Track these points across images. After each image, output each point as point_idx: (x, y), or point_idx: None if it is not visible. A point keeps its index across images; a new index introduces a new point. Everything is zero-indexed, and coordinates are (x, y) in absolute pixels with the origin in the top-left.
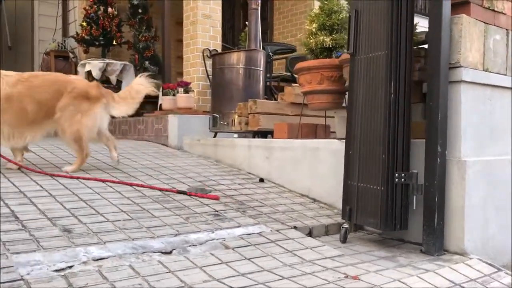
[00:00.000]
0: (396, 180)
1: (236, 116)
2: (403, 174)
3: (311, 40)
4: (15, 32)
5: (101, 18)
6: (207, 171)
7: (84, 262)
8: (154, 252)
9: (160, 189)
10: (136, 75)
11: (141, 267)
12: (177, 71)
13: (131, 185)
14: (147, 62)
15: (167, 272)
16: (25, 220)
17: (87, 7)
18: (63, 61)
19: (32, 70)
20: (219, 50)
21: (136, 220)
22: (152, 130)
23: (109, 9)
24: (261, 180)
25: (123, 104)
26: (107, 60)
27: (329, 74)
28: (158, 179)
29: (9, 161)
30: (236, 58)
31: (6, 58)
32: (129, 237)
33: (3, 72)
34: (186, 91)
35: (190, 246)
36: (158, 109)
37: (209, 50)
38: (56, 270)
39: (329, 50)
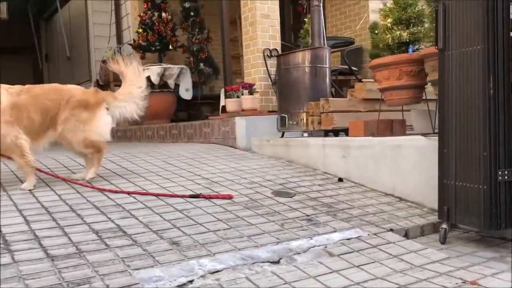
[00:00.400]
0: (500, 178)
1: (307, 116)
2: (506, 172)
3: (387, 36)
4: (71, 42)
5: (156, 23)
6: (282, 172)
7: (202, 276)
8: (263, 262)
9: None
10: (192, 78)
11: (258, 279)
12: (232, 70)
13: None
14: (201, 64)
15: (284, 284)
16: (133, 235)
17: (141, 14)
18: None
19: (90, 78)
20: (279, 49)
21: (235, 229)
22: (219, 132)
23: (163, 14)
24: (340, 179)
25: (127, 100)
26: (164, 65)
27: (408, 69)
28: (240, 184)
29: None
30: (302, 57)
31: (64, 68)
32: (234, 247)
33: (4, 85)
34: (251, 92)
35: (294, 254)
36: (220, 111)
37: (269, 50)
38: (179, 286)
39: (406, 44)
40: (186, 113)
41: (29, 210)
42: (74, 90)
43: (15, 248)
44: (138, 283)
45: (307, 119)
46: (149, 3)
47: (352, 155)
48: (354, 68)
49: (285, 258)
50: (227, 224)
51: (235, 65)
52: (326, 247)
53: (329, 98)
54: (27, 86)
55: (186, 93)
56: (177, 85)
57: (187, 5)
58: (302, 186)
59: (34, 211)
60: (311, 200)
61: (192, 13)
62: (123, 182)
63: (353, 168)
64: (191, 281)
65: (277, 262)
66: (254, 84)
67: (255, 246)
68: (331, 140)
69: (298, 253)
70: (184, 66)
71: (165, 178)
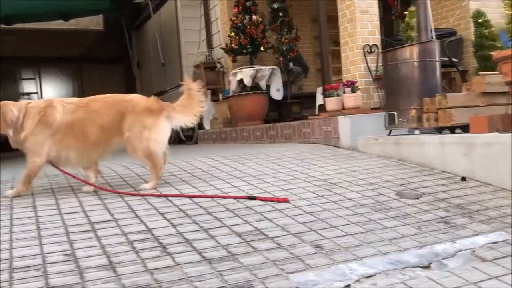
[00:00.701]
0: None
1: (420, 112)
2: None
3: None
4: (163, 48)
5: (248, 26)
6: (398, 172)
7: (357, 281)
8: (413, 267)
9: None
10: (282, 78)
11: (416, 285)
12: (316, 68)
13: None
14: (291, 64)
15: None
16: (275, 237)
17: (233, 18)
18: (212, 72)
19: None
20: (379, 45)
21: (372, 232)
22: (319, 132)
23: (254, 17)
24: (463, 179)
25: (185, 114)
26: (257, 67)
27: None
28: (359, 185)
29: (86, 182)
30: (411, 52)
31: (158, 75)
32: (379, 251)
33: (65, 99)
34: (353, 90)
35: (443, 259)
36: (316, 110)
37: (369, 46)
38: None
39: None
40: (276, 113)
41: (170, 213)
42: (137, 98)
43: (172, 251)
44: (297, 287)
45: (421, 116)
46: (240, 7)
47: (476, 152)
48: (454, 60)
49: (434, 263)
50: (362, 227)
51: (320, 62)
52: (474, 251)
53: (447, 94)
54: (86, 99)
55: (277, 93)
56: (268, 86)
57: (275, 6)
58: (425, 187)
59: (175, 215)
60: (439, 201)
61: (280, 14)
62: (243, 185)
63: (478, 167)
64: (348, 286)
65: (427, 267)
66: (356, 82)
67: (399, 250)
68: (450, 137)
69: (446, 258)
70: (275, 67)
71: (282, 180)
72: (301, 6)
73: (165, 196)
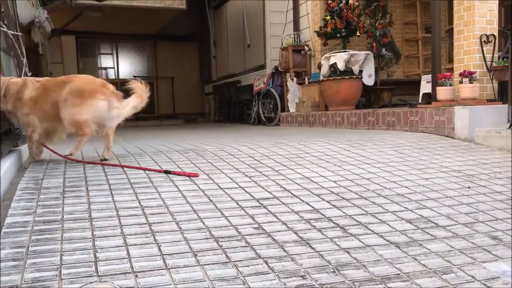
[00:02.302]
0: None
1: None
2: None
3: None
4: (249, 30)
5: (344, 10)
6: None
7: None
8: None
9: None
10: (375, 63)
11: None
12: (405, 55)
13: None
14: (383, 49)
15: None
16: (447, 226)
17: (330, 1)
18: (298, 55)
19: (264, 64)
20: (496, 35)
21: None
22: (430, 121)
23: (350, 1)
24: None
25: (126, 109)
26: (351, 52)
27: None
28: (500, 179)
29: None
30: None
31: (236, 54)
32: None
33: (35, 79)
34: (471, 80)
35: None
36: (420, 99)
37: (486, 35)
38: None
39: None
40: (364, 99)
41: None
42: (78, 80)
43: (353, 232)
44: (496, 276)
45: None
46: None
47: None
48: None
49: None
50: None
51: (411, 48)
52: None
53: None
54: (48, 79)
55: (368, 79)
56: (360, 71)
57: None
58: None
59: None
60: None
61: None
62: (378, 171)
63: None
64: None
65: None
66: (475, 72)
67: None
68: None
69: None
70: (369, 52)
71: (417, 169)
72: None
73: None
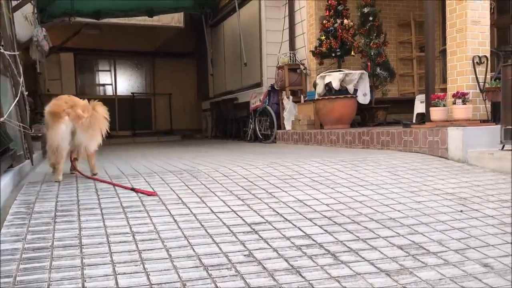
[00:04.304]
0: None
1: None
2: None
3: None
4: (246, 48)
5: (339, 30)
6: None
7: None
8: None
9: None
10: (369, 82)
11: None
12: (399, 74)
13: None
14: (378, 69)
15: None
16: (437, 253)
17: (325, 21)
18: (294, 73)
19: (261, 82)
20: (488, 56)
21: None
22: (424, 142)
23: (345, 21)
24: None
25: (86, 132)
26: (346, 71)
27: None
28: (492, 202)
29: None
30: None
31: (233, 72)
32: None
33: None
34: (464, 101)
35: None
36: (414, 119)
37: (478, 57)
38: None
39: None
40: (359, 117)
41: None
42: (54, 102)
43: (345, 259)
44: None
45: None
46: (332, 10)
47: None
48: None
49: None
50: None
51: (406, 67)
52: None
53: None
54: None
55: (363, 97)
56: (355, 90)
57: (365, 10)
58: None
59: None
60: None
61: (370, 18)
62: (371, 194)
63: None
64: None
65: None
66: (468, 93)
67: None
68: None
69: None
70: (364, 71)
71: (409, 192)
72: (387, 11)
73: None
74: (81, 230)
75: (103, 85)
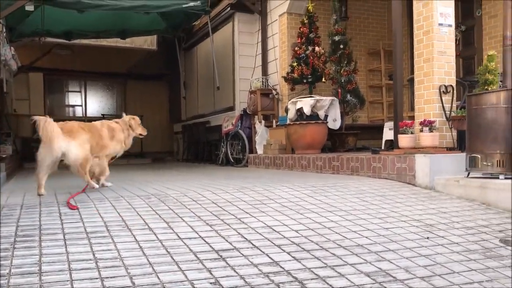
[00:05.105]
0: None
1: (500, 156)
2: None
3: None
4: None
5: (311, 57)
6: (489, 217)
7: None
8: None
9: None
10: (340, 108)
11: None
12: (369, 101)
13: None
14: (348, 95)
15: None
16: (404, 279)
17: (296, 48)
18: (267, 98)
19: (233, 106)
20: (454, 86)
21: (497, 282)
22: (392, 168)
23: (317, 48)
24: None
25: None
26: (317, 97)
27: None
28: (457, 229)
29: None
30: (498, 98)
31: (206, 96)
32: None
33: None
34: (431, 129)
35: None
36: (383, 145)
37: (445, 86)
38: None
39: None
40: (330, 142)
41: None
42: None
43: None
44: None
45: (505, 161)
46: (303, 38)
47: None
48: None
49: None
50: (485, 275)
51: (375, 95)
52: None
53: None
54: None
55: (333, 123)
56: (325, 116)
57: (336, 38)
58: None
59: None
60: None
61: (341, 46)
62: (340, 220)
63: None
64: None
65: None
66: (435, 121)
67: None
68: None
69: None
70: (335, 98)
71: (378, 218)
72: (358, 40)
73: None
74: (42, 256)
75: (73, 106)
